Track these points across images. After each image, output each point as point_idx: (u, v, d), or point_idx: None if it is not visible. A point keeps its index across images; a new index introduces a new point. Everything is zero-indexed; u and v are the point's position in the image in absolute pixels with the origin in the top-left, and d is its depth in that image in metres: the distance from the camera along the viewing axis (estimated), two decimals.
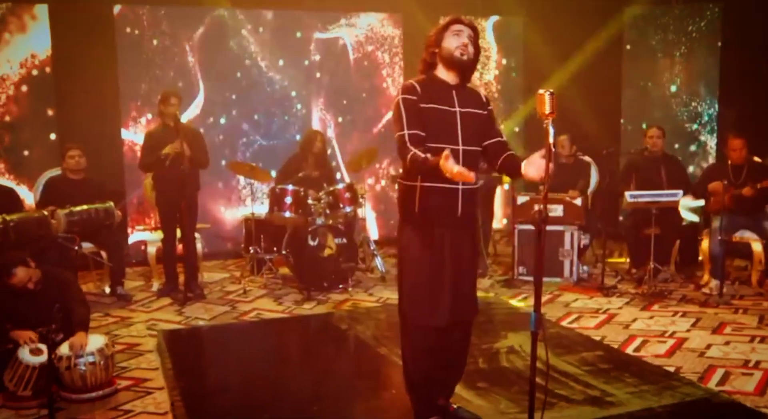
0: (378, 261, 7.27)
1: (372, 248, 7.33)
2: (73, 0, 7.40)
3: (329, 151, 8.03)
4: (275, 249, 7.14)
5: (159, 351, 5.07)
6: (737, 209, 6.37)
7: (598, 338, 5.19)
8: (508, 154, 3.41)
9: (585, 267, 7.11)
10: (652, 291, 6.37)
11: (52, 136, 7.56)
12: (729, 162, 6.63)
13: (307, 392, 4.27)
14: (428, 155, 3.11)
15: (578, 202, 6.85)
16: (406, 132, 3.23)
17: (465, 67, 3.34)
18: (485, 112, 3.43)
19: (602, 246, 6.78)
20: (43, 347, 4.18)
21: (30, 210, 6.35)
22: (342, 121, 8.68)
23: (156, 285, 6.92)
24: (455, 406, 3.68)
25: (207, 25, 8.06)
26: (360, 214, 7.36)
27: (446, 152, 2.97)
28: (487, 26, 9.18)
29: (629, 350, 4.96)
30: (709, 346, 5.01)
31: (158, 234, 6.88)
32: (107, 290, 6.70)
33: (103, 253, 6.60)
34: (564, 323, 5.62)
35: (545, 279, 6.77)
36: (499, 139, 3.47)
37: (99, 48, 7.56)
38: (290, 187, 6.75)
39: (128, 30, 7.77)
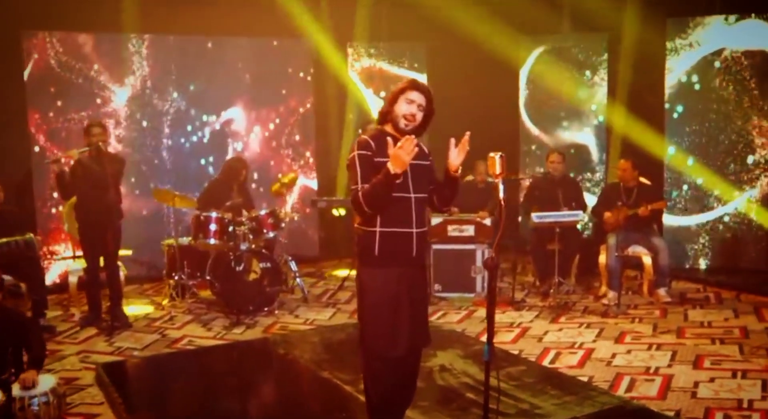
0: (299, 282, 7.53)
1: (294, 270, 7.57)
2: None
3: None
4: (198, 274, 7.27)
5: (100, 384, 5.14)
6: (630, 226, 7.06)
7: (516, 352, 5.67)
8: (435, 188, 3.81)
9: None
10: (557, 304, 6.95)
11: None
12: (621, 184, 7.31)
13: None
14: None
15: (487, 221, 7.37)
16: (360, 185, 3.57)
17: (406, 133, 3.62)
18: (428, 163, 3.80)
19: (512, 263, 7.30)
20: None
21: None
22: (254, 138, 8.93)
23: (78, 315, 6.91)
24: None
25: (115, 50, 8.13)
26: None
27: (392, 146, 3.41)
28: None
29: (546, 362, 5.47)
30: (614, 355, 5.58)
31: (80, 263, 6.87)
32: None
33: (23, 285, 6.57)
34: (484, 338, 6.06)
35: (457, 294, 7.34)
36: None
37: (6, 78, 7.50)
38: (214, 215, 6.91)
39: (36, 57, 7.74)
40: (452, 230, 7.38)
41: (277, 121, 9.01)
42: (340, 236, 9.09)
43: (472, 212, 7.48)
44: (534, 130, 9.22)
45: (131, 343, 6.16)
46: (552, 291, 7.12)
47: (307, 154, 9.19)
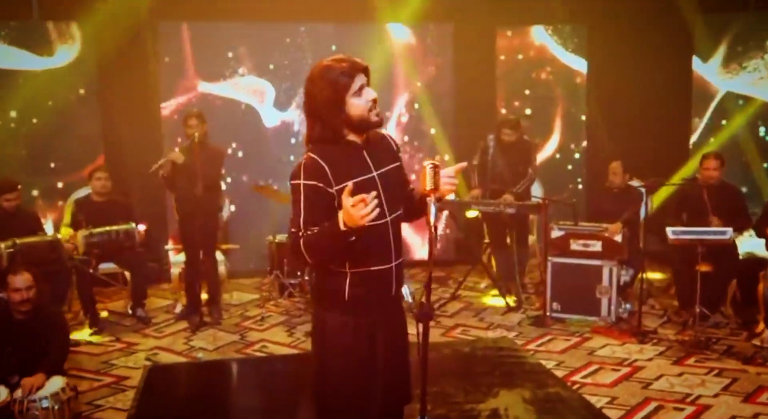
0: (404, 290, 6.94)
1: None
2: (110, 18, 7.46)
3: None
4: (299, 273, 6.95)
5: (138, 389, 4.97)
6: None
7: (606, 400, 4.66)
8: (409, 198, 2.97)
9: (628, 305, 6.49)
10: (694, 339, 5.72)
11: None
12: None
13: None
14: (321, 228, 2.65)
15: (618, 238, 6.27)
16: (301, 227, 2.68)
17: (379, 124, 2.82)
18: (399, 163, 2.93)
19: (641, 285, 6.12)
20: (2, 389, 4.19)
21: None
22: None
23: (179, 307, 6.88)
24: None
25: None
26: None
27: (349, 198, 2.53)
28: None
29: (637, 418, 4.42)
30: None
31: (182, 256, 6.83)
32: (130, 311, 6.72)
33: (127, 274, 6.69)
34: (578, 377, 5.09)
35: (579, 317, 6.32)
36: (411, 187, 3.01)
37: (139, 68, 7.64)
38: None
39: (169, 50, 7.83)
40: (575, 244, 6.38)
41: (409, 115, 8.42)
42: (474, 239, 8.31)
43: (607, 220, 6.44)
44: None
45: (206, 343, 5.98)
46: (691, 322, 5.89)
47: (446, 157, 8.46)
